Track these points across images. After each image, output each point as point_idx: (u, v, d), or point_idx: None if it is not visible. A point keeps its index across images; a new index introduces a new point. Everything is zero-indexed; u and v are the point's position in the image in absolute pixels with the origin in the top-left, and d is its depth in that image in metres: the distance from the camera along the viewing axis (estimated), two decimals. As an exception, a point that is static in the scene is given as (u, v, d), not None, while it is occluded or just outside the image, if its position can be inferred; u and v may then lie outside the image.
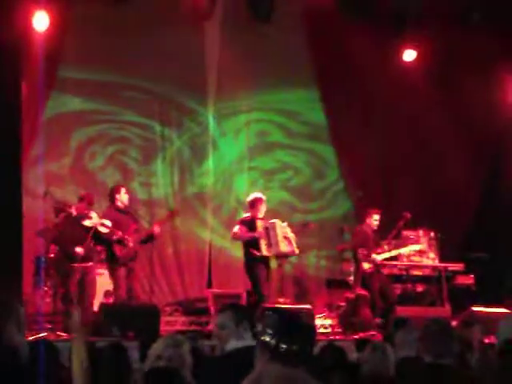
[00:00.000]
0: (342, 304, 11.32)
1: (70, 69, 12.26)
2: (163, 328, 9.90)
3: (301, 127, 13.95)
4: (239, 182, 13.51)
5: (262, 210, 10.80)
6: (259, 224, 10.67)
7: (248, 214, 10.88)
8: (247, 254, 10.75)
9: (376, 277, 11.01)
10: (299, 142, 13.95)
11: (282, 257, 10.94)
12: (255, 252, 10.53)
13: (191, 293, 12.90)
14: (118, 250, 10.21)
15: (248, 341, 4.54)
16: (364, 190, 12.58)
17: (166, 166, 13.32)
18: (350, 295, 11.19)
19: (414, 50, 12.90)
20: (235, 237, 11.09)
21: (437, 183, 13.15)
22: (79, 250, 9.92)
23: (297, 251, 10.94)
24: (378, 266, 11.04)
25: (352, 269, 11.82)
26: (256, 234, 10.61)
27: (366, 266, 10.99)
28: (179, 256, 13.15)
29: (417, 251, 11.89)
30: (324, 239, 13.38)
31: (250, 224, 10.72)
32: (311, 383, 1.93)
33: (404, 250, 11.66)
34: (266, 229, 10.67)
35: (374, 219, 11.22)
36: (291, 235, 10.85)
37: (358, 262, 11.20)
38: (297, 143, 13.95)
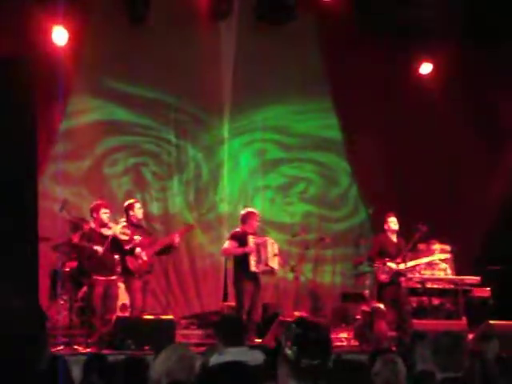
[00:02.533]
0: (358, 317, 11.29)
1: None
2: (179, 341, 9.88)
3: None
4: (257, 201, 13.49)
5: (255, 226, 10.83)
6: (250, 239, 10.67)
7: (238, 229, 10.90)
8: (236, 268, 10.82)
9: (390, 288, 10.91)
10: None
11: (267, 273, 10.99)
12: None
13: (207, 306, 12.89)
14: (130, 262, 10.23)
15: (230, 355, 4.48)
16: (379, 202, 12.52)
17: (182, 185, 13.36)
18: (366, 308, 11.15)
19: (430, 62, 12.92)
20: (225, 253, 11.19)
21: (452, 195, 13.11)
22: (99, 248, 9.97)
23: (277, 270, 11.05)
24: (393, 277, 10.93)
25: (368, 282, 11.78)
26: (247, 250, 10.61)
27: (382, 276, 10.90)
28: (195, 269, 13.16)
29: (436, 262, 11.75)
30: (340, 253, 13.41)
31: (240, 239, 10.73)
32: None
33: (429, 259, 11.56)
34: (258, 245, 10.70)
35: (391, 221, 11.04)
36: (276, 252, 10.91)
37: (374, 273, 11.14)
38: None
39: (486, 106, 12.98)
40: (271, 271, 10.95)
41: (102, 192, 12.50)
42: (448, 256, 11.81)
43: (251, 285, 10.56)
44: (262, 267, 10.69)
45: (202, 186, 13.47)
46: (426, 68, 13.00)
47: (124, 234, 10.23)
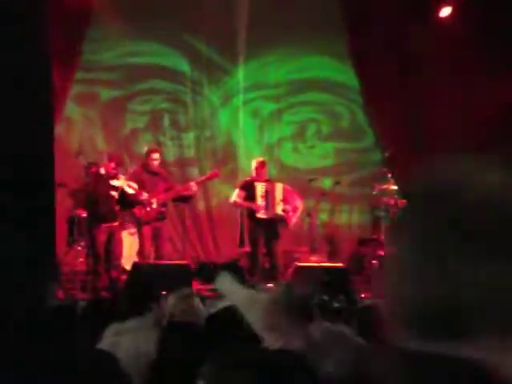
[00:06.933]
0: (374, 262, 11.28)
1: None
2: (196, 287, 9.93)
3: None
4: (279, 154, 13.48)
5: (261, 173, 10.71)
6: (258, 189, 10.58)
7: (248, 178, 10.94)
8: (247, 215, 10.83)
9: None
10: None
11: (278, 220, 10.80)
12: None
13: (223, 252, 12.94)
14: (137, 210, 10.26)
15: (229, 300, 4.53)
16: (395, 146, 12.39)
17: (200, 140, 13.44)
18: (382, 253, 11.13)
19: (449, 6, 12.71)
20: (235, 205, 11.09)
21: (473, 141, 12.92)
22: None
23: (293, 221, 10.87)
24: None
25: (384, 227, 11.73)
26: (253, 207, 10.55)
27: None
28: (212, 215, 13.20)
29: None
30: (356, 193, 13.37)
31: (248, 188, 10.68)
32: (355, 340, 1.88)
33: None
34: (266, 192, 10.60)
35: None
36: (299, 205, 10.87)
37: (389, 217, 11.08)
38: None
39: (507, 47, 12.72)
40: (281, 219, 10.77)
41: (110, 121, 12.78)
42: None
43: (262, 231, 10.55)
44: (270, 213, 10.61)
45: (220, 140, 13.55)
46: (445, 11, 12.78)
47: (130, 187, 10.26)
